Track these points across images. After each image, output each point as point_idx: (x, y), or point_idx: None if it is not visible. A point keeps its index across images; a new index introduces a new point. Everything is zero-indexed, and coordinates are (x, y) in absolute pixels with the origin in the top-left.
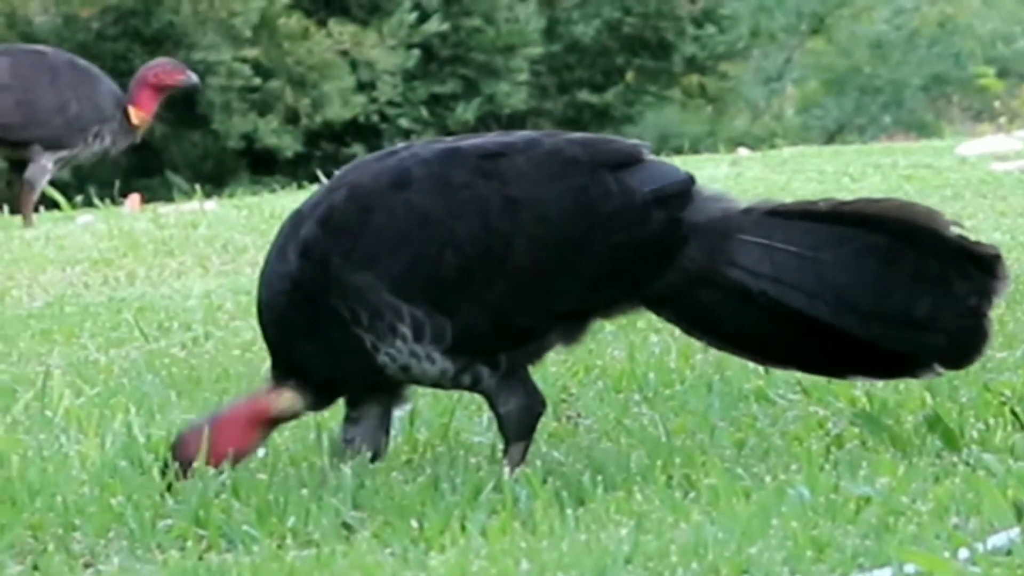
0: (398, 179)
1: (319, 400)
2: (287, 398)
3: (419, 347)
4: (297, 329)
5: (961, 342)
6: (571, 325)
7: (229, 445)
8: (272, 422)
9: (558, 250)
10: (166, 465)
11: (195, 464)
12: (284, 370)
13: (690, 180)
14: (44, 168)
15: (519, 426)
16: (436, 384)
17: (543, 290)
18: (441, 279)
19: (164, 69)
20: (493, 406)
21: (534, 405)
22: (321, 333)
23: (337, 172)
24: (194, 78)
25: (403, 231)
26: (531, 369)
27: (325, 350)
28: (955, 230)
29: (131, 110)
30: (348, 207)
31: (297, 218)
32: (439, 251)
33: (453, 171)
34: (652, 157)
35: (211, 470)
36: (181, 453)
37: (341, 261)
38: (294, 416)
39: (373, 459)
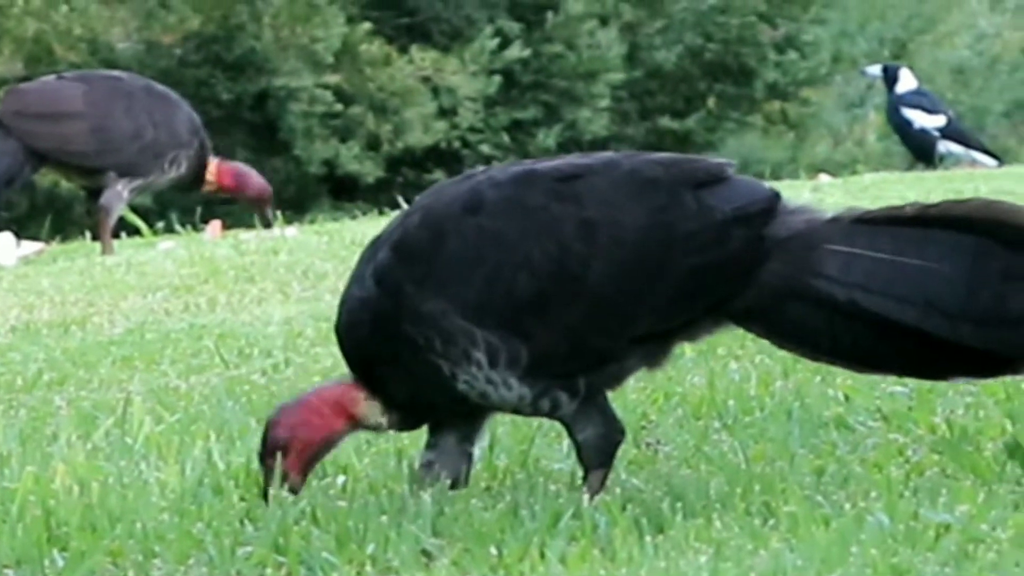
0: (470, 203)
1: (405, 422)
2: (372, 407)
3: (495, 373)
4: (377, 356)
5: None
6: (652, 348)
7: (318, 431)
8: (355, 422)
9: (636, 271)
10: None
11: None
12: (369, 391)
13: (775, 196)
14: (119, 195)
15: (598, 453)
16: (516, 410)
17: (621, 312)
18: (515, 303)
19: (262, 188)
20: (571, 434)
21: (612, 433)
22: (400, 360)
23: (417, 197)
24: (270, 215)
25: (475, 256)
26: (611, 396)
27: (406, 377)
28: None
29: (213, 166)
30: (420, 233)
31: (375, 243)
32: (513, 275)
33: (527, 194)
34: (737, 175)
35: (290, 497)
36: (274, 439)
37: (414, 288)
38: (376, 428)
39: (453, 486)
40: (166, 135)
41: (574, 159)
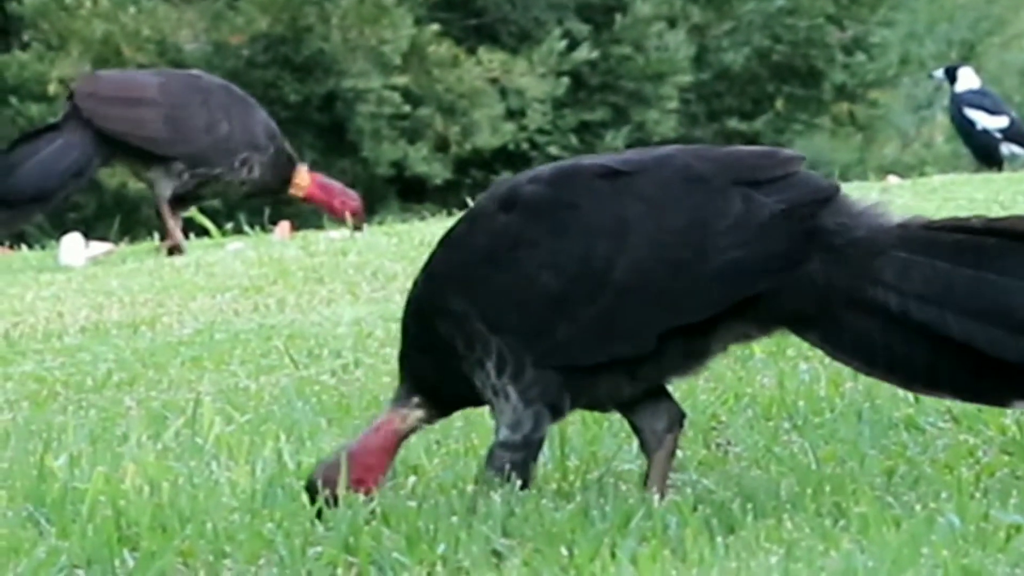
0: (506, 200)
1: (442, 411)
2: (411, 417)
3: (499, 382)
4: (418, 344)
5: None
6: (687, 349)
7: (366, 478)
8: (401, 441)
9: (668, 267)
10: (312, 496)
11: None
12: (409, 383)
13: (831, 190)
14: (173, 175)
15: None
16: (499, 428)
17: (650, 305)
18: (535, 304)
19: (352, 204)
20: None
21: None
22: (436, 353)
23: None
24: (360, 226)
25: (499, 256)
26: (678, 395)
27: (437, 368)
28: None
29: (303, 172)
30: (462, 228)
31: None
32: (536, 273)
33: (563, 191)
34: (804, 171)
35: (361, 497)
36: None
37: (446, 281)
38: (419, 429)
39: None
40: (241, 133)
41: (631, 154)
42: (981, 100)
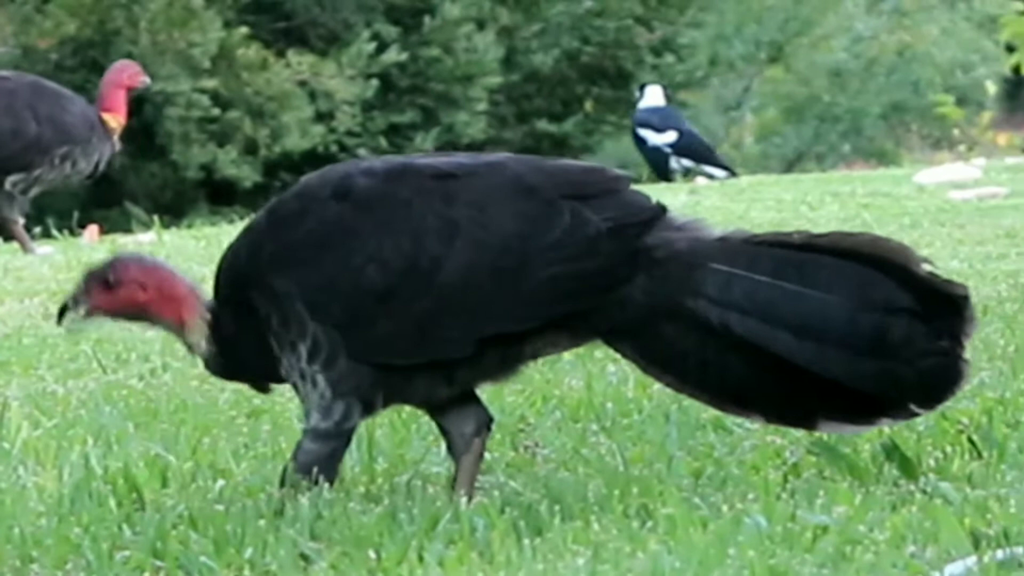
0: (340, 189)
1: (218, 365)
2: (201, 327)
3: (308, 368)
4: (227, 298)
5: (932, 380)
6: (501, 356)
7: (153, 299)
8: (179, 325)
9: (491, 275)
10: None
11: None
12: (213, 317)
13: (658, 211)
14: (9, 196)
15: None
16: (309, 412)
17: (469, 312)
18: (361, 294)
19: (132, 71)
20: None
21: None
22: (242, 315)
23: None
24: (147, 79)
25: (329, 243)
26: (487, 399)
27: (241, 330)
28: (926, 267)
29: (106, 116)
30: (291, 204)
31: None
32: (362, 266)
33: (397, 187)
34: (631, 189)
35: (168, 501)
36: (117, 272)
37: (270, 257)
38: (190, 349)
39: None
40: (53, 131)
41: (464, 159)
42: (649, 118)
